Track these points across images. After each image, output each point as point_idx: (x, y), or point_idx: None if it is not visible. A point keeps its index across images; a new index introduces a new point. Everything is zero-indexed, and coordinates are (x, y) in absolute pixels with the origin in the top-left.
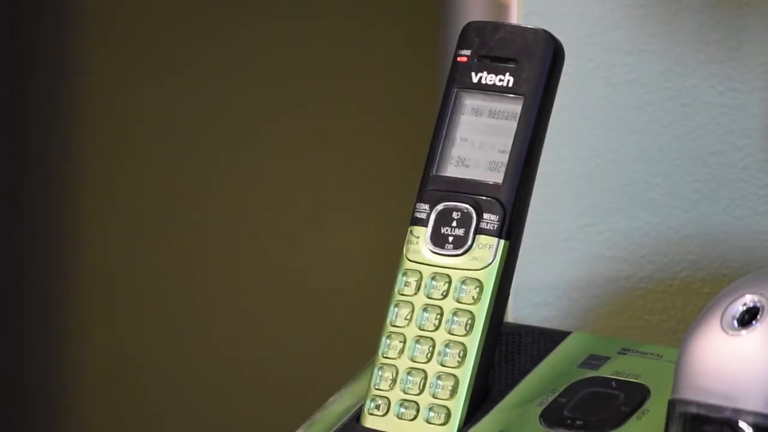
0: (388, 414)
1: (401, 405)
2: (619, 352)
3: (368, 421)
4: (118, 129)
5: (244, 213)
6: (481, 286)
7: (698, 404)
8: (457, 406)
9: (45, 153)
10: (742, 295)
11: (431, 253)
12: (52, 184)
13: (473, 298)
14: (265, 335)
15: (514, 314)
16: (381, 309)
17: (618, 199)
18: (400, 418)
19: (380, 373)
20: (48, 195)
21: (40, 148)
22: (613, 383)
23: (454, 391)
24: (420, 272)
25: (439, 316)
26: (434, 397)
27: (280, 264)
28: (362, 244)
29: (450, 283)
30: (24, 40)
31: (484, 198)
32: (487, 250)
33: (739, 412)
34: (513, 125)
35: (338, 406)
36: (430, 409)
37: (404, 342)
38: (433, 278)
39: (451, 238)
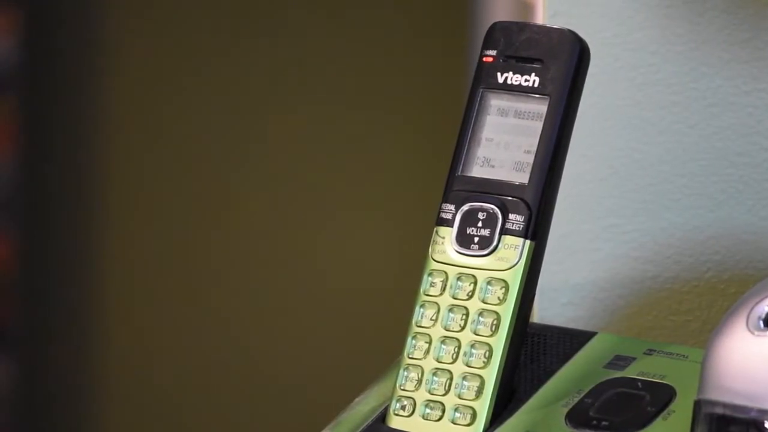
0: (414, 414)
1: (427, 405)
2: (644, 353)
3: (394, 422)
4: (141, 129)
5: (267, 213)
6: (506, 286)
7: (724, 405)
8: (483, 407)
9: (67, 155)
10: None
11: (457, 253)
12: (74, 183)
13: (499, 298)
14: (290, 336)
15: (539, 315)
16: (406, 309)
17: (643, 200)
18: (426, 419)
19: (406, 373)
20: (70, 195)
21: (63, 150)
22: (639, 384)
23: (479, 392)
24: (445, 273)
25: (464, 317)
26: (460, 397)
27: (305, 265)
28: (388, 245)
29: (475, 283)
30: (46, 41)
31: (509, 198)
32: (512, 251)
33: (765, 413)
34: (539, 125)
35: (364, 406)
36: (456, 409)
37: (430, 342)
38: (458, 279)
39: (476, 239)
